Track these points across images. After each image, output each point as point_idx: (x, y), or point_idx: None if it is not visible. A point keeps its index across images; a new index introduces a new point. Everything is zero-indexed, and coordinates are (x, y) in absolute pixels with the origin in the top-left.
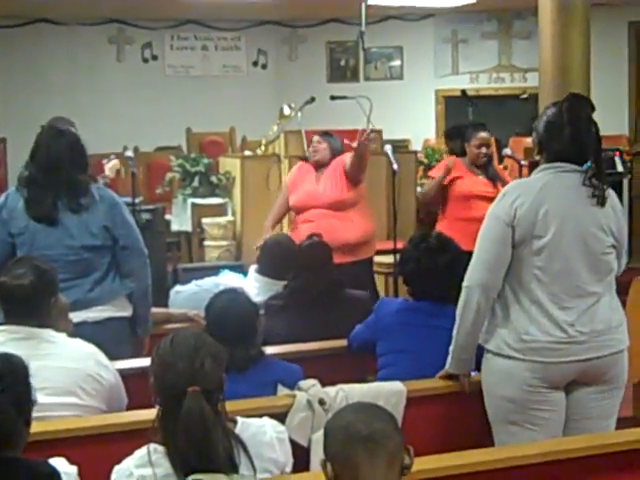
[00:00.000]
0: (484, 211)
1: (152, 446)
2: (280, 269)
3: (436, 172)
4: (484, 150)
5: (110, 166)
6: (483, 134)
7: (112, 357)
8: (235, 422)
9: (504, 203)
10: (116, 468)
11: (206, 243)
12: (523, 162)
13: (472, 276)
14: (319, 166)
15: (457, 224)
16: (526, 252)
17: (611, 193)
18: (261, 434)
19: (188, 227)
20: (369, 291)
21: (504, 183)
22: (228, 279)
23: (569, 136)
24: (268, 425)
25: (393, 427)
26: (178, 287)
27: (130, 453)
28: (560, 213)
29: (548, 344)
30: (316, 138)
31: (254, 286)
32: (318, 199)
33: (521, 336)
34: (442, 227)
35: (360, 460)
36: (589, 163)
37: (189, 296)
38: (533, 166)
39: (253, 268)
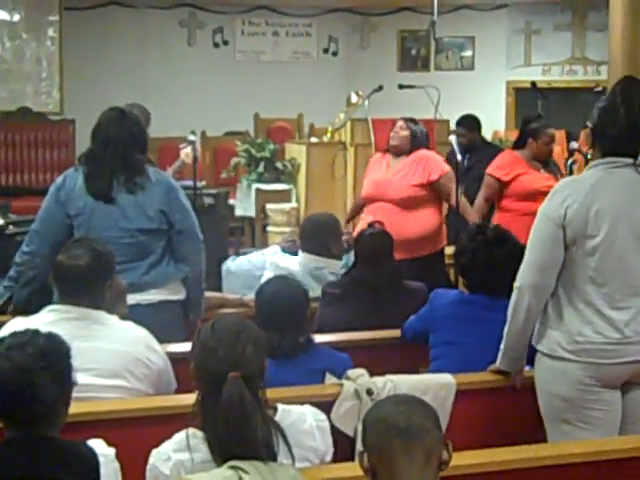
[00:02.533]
0: None
1: (191, 431)
2: (324, 245)
3: (497, 170)
4: (551, 147)
5: (188, 151)
6: (551, 131)
7: (164, 340)
8: (275, 409)
9: (554, 202)
10: (154, 452)
11: (269, 229)
12: (596, 161)
13: (523, 277)
14: (396, 153)
15: (521, 219)
16: (579, 253)
17: None
18: (301, 422)
19: (252, 212)
20: (440, 285)
21: (563, 175)
22: (277, 256)
23: (624, 118)
24: (309, 413)
25: (432, 421)
26: (230, 263)
27: (170, 437)
28: (612, 211)
29: (602, 345)
30: (399, 123)
31: (300, 263)
32: (385, 190)
33: (574, 338)
34: (503, 221)
35: (396, 453)
36: None
37: (234, 268)
38: None
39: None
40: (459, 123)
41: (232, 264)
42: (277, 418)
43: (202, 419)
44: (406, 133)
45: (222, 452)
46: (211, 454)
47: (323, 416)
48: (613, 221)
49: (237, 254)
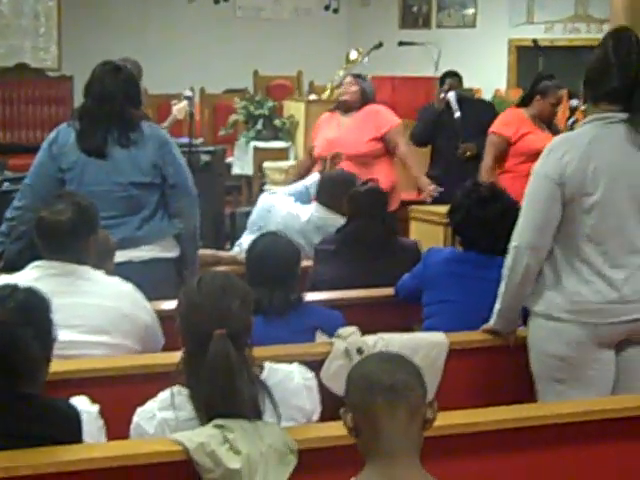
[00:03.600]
0: None
1: (176, 389)
2: (335, 200)
3: (501, 127)
4: (557, 108)
5: (180, 107)
6: (560, 92)
7: (156, 297)
8: (262, 367)
9: (552, 160)
10: (139, 410)
11: (267, 187)
12: (591, 116)
13: (521, 237)
14: (347, 109)
15: (524, 179)
16: (577, 211)
17: None
18: (288, 380)
19: (249, 171)
20: None
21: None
22: (285, 203)
23: (616, 71)
24: (296, 371)
25: (416, 379)
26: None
27: (156, 395)
28: (610, 168)
29: (600, 305)
30: (348, 79)
31: (312, 213)
32: (340, 147)
33: (572, 297)
34: (505, 181)
35: (380, 411)
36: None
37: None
38: None
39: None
40: (448, 75)
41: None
42: (263, 376)
43: (187, 377)
44: (355, 88)
45: (207, 410)
46: (196, 412)
47: (310, 374)
48: (610, 178)
49: (232, 214)
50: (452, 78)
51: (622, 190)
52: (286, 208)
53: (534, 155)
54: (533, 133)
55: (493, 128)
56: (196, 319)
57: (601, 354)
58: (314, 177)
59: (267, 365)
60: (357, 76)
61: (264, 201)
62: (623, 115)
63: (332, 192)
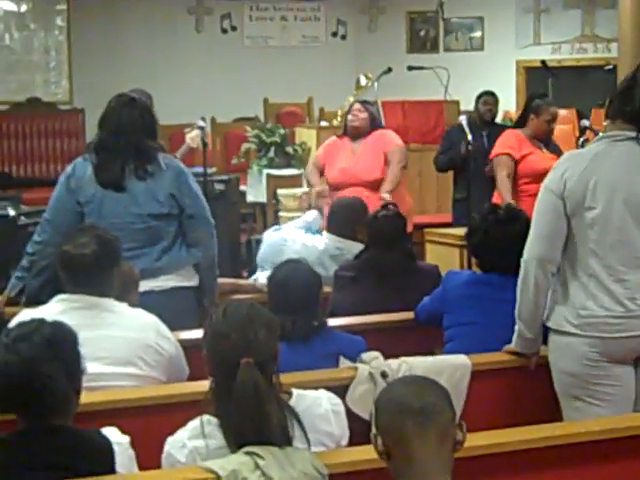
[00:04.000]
0: None
1: (205, 418)
2: (350, 228)
3: (503, 148)
4: (553, 126)
5: (193, 136)
6: (553, 109)
7: (177, 327)
8: (290, 394)
9: (555, 175)
10: (169, 439)
11: (281, 214)
12: (602, 134)
13: (529, 250)
14: (356, 136)
15: (529, 200)
16: (580, 225)
17: None
18: (316, 406)
19: (263, 198)
20: None
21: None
22: (297, 235)
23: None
24: (324, 397)
25: (445, 401)
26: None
27: (184, 424)
28: (611, 183)
29: (606, 319)
30: (356, 106)
31: (324, 242)
32: (354, 176)
33: (579, 311)
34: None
35: (410, 434)
36: None
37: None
38: None
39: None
40: (486, 94)
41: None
42: (292, 403)
43: (216, 406)
44: (365, 115)
45: (237, 438)
46: (226, 441)
47: (338, 400)
48: (611, 193)
49: (249, 241)
50: (488, 96)
51: (623, 204)
52: (300, 240)
53: (539, 176)
54: (534, 154)
55: (496, 150)
56: (223, 348)
57: (615, 370)
58: (312, 214)
59: (295, 392)
60: (365, 102)
61: (272, 237)
62: (632, 133)
63: (344, 220)
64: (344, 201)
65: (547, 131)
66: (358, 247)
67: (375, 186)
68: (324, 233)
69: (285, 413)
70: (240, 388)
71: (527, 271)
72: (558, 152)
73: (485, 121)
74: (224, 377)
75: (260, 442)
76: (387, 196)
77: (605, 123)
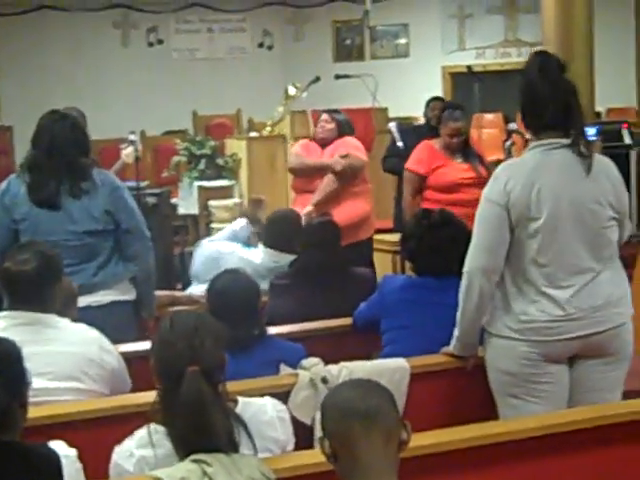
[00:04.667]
0: (469, 194)
1: (152, 426)
2: (286, 241)
3: (413, 164)
4: (455, 140)
5: (128, 152)
6: (454, 125)
7: (116, 341)
8: (236, 402)
9: (497, 186)
10: (117, 449)
11: (213, 225)
12: (528, 136)
13: (472, 261)
14: (323, 145)
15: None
16: (523, 235)
17: (609, 162)
18: (262, 413)
19: (195, 210)
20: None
21: (483, 163)
22: (235, 248)
23: (543, 93)
24: (269, 404)
25: (389, 403)
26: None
27: (130, 435)
28: (553, 192)
29: (546, 323)
30: (324, 116)
31: (260, 257)
32: (314, 185)
33: (519, 317)
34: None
35: (357, 436)
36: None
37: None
38: None
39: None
40: (433, 99)
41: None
42: (238, 410)
43: (163, 414)
44: (332, 126)
45: (184, 446)
46: (174, 449)
47: (283, 407)
48: (554, 203)
49: (182, 254)
50: (435, 102)
51: (565, 214)
52: (236, 254)
53: (447, 187)
54: (445, 166)
55: (407, 164)
56: (169, 357)
57: (551, 369)
58: (240, 222)
59: (240, 399)
60: (332, 111)
61: (207, 250)
62: (565, 141)
63: (278, 233)
64: (278, 214)
65: (451, 144)
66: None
67: (335, 195)
68: (260, 246)
69: (231, 420)
70: (185, 396)
71: (471, 281)
72: (477, 163)
73: (432, 126)
74: (170, 386)
75: (206, 450)
76: (309, 209)
77: (528, 136)
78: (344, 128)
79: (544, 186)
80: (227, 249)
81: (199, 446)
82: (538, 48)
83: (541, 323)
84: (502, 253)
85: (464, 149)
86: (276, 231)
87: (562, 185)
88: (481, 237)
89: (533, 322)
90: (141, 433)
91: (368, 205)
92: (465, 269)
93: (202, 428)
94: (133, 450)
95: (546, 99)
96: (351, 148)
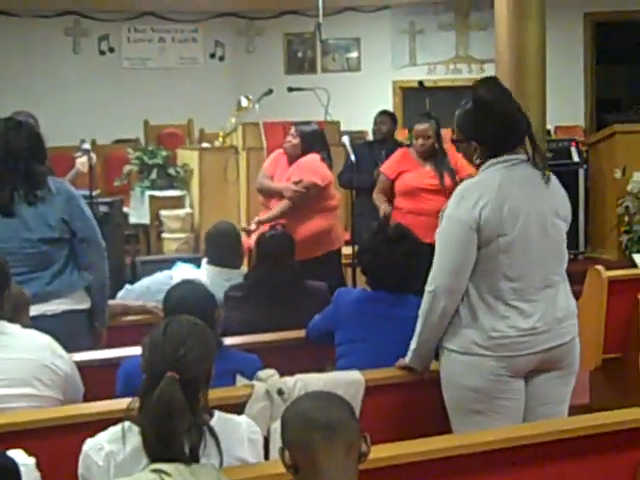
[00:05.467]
0: (430, 203)
1: (127, 424)
2: (229, 257)
3: (387, 168)
4: (420, 142)
5: (83, 161)
6: (420, 126)
7: (70, 349)
8: (212, 415)
9: (465, 206)
10: (88, 440)
11: (164, 235)
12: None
13: (437, 280)
14: (290, 160)
15: (406, 217)
16: (493, 251)
17: (553, 178)
18: (234, 431)
19: (146, 220)
20: (335, 285)
21: (452, 174)
22: (182, 271)
23: (501, 115)
24: (244, 424)
25: (350, 415)
26: (128, 286)
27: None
28: (522, 208)
29: (515, 338)
30: (292, 130)
31: (206, 276)
32: (273, 204)
33: (489, 333)
34: (394, 217)
35: (318, 447)
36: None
37: (143, 290)
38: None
39: (204, 260)
40: (379, 114)
41: (132, 286)
42: (212, 423)
43: (138, 413)
44: (296, 141)
45: (147, 449)
46: (144, 450)
47: (256, 429)
48: (523, 217)
49: (133, 263)
50: (379, 116)
51: (535, 228)
52: (184, 275)
53: (408, 192)
54: (411, 171)
55: (381, 167)
56: (154, 358)
57: (514, 384)
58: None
59: (217, 413)
60: (300, 124)
61: (158, 275)
62: (523, 156)
63: (218, 247)
64: (219, 229)
65: (419, 147)
66: (238, 272)
67: (291, 216)
68: (203, 264)
69: (200, 432)
70: (155, 399)
71: (435, 301)
72: (443, 168)
73: (378, 140)
74: (149, 386)
75: (167, 458)
76: (252, 227)
77: (477, 161)
78: (311, 142)
79: (513, 203)
80: (177, 274)
81: (159, 452)
82: (491, 65)
83: (511, 339)
84: (467, 273)
85: (436, 158)
86: (219, 247)
87: (528, 200)
88: (447, 257)
89: (503, 338)
90: (114, 429)
91: (328, 221)
92: (428, 288)
93: (164, 435)
94: (104, 444)
95: (516, 120)
96: (305, 172)
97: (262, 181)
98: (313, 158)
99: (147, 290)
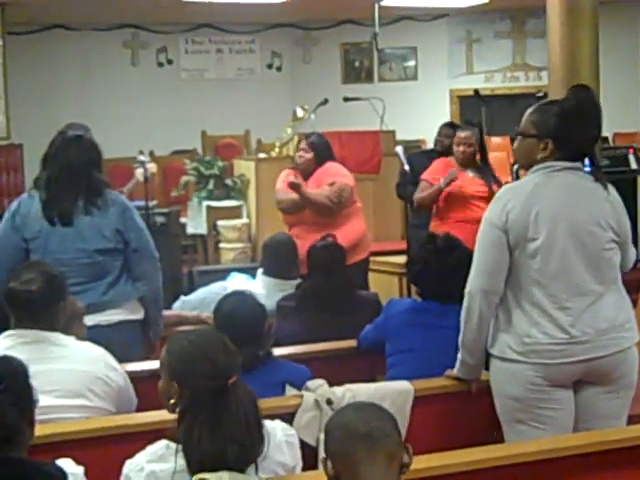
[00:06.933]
0: (480, 211)
1: (165, 442)
2: (285, 268)
3: (429, 175)
4: (462, 149)
5: (141, 172)
6: (462, 133)
7: (124, 359)
8: None
9: (496, 208)
10: (128, 462)
11: (222, 245)
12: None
13: (472, 282)
14: (305, 175)
15: (454, 225)
16: (523, 256)
17: (609, 187)
18: (271, 436)
19: (203, 230)
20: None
21: (497, 182)
22: (236, 282)
23: (593, 123)
24: (279, 428)
25: (392, 425)
26: (184, 297)
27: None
28: (552, 213)
29: (550, 345)
30: (302, 145)
31: (262, 287)
32: (304, 217)
33: (523, 339)
34: (436, 228)
35: (359, 458)
36: (588, 161)
37: (198, 302)
38: None
39: (260, 270)
40: (446, 125)
41: (188, 297)
42: None
43: (182, 430)
44: (310, 155)
45: (200, 461)
46: (187, 465)
47: (292, 431)
48: (552, 223)
49: (190, 273)
50: (447, 129)
51: (564, 234)
52: (238, 285)
53: (463, 198)
54: (459, 177)
55: (423, 175)
56: (205, 371)
57: (557, 394)
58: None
59: None
60: (310, 136)
61: (214, 285)
62: (566, 164)
63: (275, 259)
64: (275, 240)
65: (460, 154)
66: (294, 283)
67: (320, 222)
68: (258, 276)
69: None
70: (237, 406)
71: (471, 303)
72: (490, 179)
73: (439, 151)
74: (206, 402)
75: (218, 467)
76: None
77: (542, 156)
78: (323, 154)
79: (542, 207)
80: (231, 284)
81: (212, 463)
82: (545, 72)
83: (544, 345)
84: (502, 275)
85: (477, 166)
86: (275, 258)
87: (561, 206)
88: (481, 259)
89: (536, 344)
90: (153, 448)
91: (363, 223)
92: (466, 290)
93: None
94: (144, 464)
95: (600, 132)
96: (334, 176)
97: (283, 196)
98: (334, 164)
99: (201, 302)
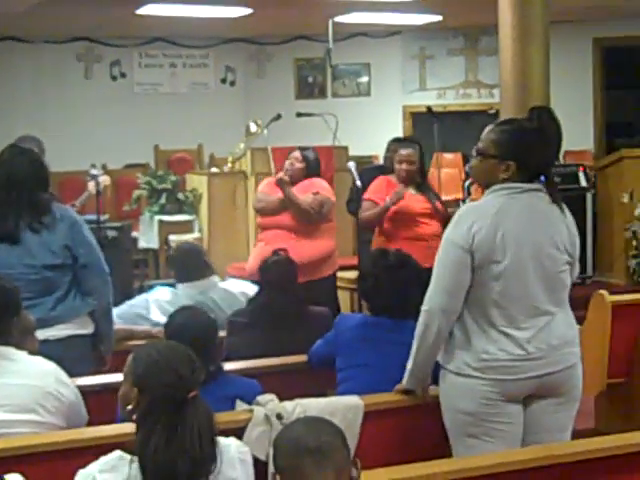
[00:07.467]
0: (426, 227)
1: (118, 453)
2: (196, 272)
3: (373, 194)
4: (405, 167)
5: (93, 185)
6: (403, 151)
7: (74, 374)
8: None
9: (460, 229)
10: (80, 472)
11: None
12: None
13: (432, 301)
14: (291, 183)
15: (402, 243)
16: (485, 277)
17: (564, 208)
18: (224, 453)
19: (155, 244)
20: (331, 308)
21: (438, 198)
22: (157, 294)
23: (555, 151)
24: (233, 445)
25: (341, 440)
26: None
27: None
28: (516, 236)
29: (506, 362)
30: (296, 154)
31: (182, 295)
32: (281, 221)
33: (480, 355)
34: (382, 245)
35: (308, 472)
36: (542, 178)
37: (116, 317)
38: None
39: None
40: (395, 141)
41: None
42: None
43: (139, 439)
44: (302, 165)
45: (154, 472)
46: (142, 476)
47: (246, 449)
48: (517, 246)
49: (142, 287)
50: (395, 144)
51: (527, 258)
52: (159, 297)
53: (403, 218)
54: (404, 198)
55: (366, 195)
56: (169, 382)
57: (509, 408)
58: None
59: None
60: (304, 149)
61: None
62: (528, 185)
63: (183, 266)
64: (179, 250)
65: (400, 172)
66: (212, 282)
67: (298, 230)
68: (177, 287)
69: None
70: (192, 419)
71: (430, 320)
72: (431, 195)
73: (390, 167)
74: (164, 412)
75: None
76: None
77: (505, 176)
78: (313, 169)
79: (508, 230)
80: (151, 298)
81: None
82: (497, 90)
83: (502, 362)
84: (462, 294)
85: (418, 183)
86: (184, 265)
87: (524, 229)
88: (442, 279)
89: (494, 361)
90: (106, 458)
91: (332, 242)
92: (424, 308)
93: (173, 462)
94: (96, 474)
95: (558, 153)
96: (320, 189)
97: (264, 198)
98: (320, 180)
99: (119, 317)
